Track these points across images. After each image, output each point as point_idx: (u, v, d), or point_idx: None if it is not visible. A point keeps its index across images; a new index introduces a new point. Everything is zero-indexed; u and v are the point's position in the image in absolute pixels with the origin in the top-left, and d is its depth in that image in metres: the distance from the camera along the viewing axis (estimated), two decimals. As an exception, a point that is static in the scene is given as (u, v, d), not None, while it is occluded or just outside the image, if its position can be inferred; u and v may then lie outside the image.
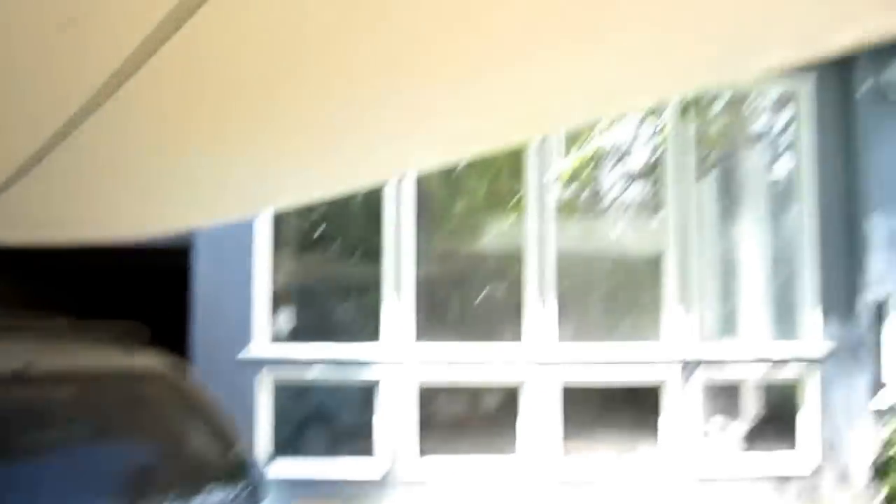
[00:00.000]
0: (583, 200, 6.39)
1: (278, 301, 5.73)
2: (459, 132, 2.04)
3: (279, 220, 5.70)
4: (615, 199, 6.48)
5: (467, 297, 6.14)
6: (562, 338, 5.81)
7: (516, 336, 5.82)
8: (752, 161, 6.53)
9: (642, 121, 6.19)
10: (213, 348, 5.25)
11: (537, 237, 5.85)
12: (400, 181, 5.61)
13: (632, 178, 6.45)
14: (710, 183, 6.41)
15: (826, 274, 5.97)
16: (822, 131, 6.11)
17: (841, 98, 6.12)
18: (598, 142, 6.31)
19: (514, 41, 1.36)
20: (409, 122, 1.92)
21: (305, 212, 5.79)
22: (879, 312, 5.88)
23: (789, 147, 6.39)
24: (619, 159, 6.42)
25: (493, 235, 6.29)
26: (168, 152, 2.14)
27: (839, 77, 6.08)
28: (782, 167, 6.51)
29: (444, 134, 2.06)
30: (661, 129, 6.14)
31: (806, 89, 6.12)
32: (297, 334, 5.82)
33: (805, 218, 6.07)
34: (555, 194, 5.99)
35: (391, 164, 2.66)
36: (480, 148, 2.95)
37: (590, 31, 1.32)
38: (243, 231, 5.45)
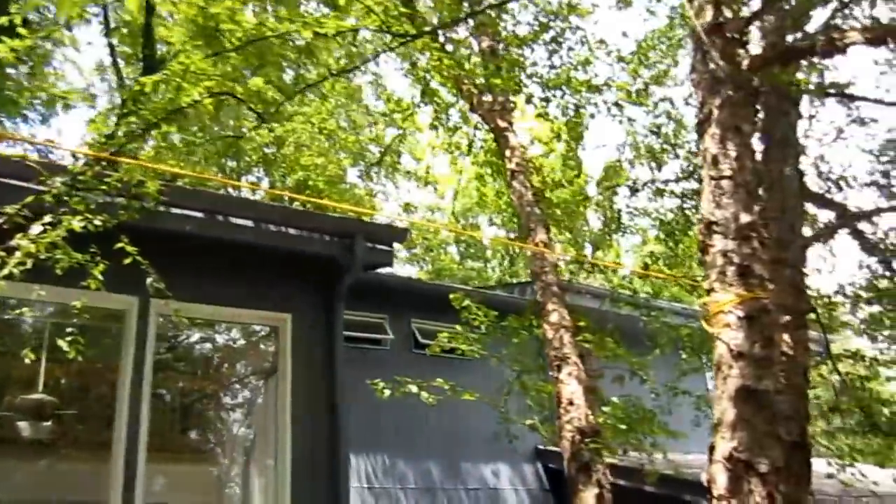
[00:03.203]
0: None
1: None
2: None
3: None
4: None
5: None
6: None
7: None
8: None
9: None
10: None
11: None
12: None
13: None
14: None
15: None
16: (305, 369, 5.82)
17: (327, 338, 5.96)
18: None
19: None
20: None
21: None
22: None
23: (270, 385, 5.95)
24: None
25: None
26: None
27: (324, 316, 5.94)
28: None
29: None
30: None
31: (287, 326, 5.84)
32: None
33: (278, 451, 5.58)
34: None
35: None
36: None
37: None
38: None
